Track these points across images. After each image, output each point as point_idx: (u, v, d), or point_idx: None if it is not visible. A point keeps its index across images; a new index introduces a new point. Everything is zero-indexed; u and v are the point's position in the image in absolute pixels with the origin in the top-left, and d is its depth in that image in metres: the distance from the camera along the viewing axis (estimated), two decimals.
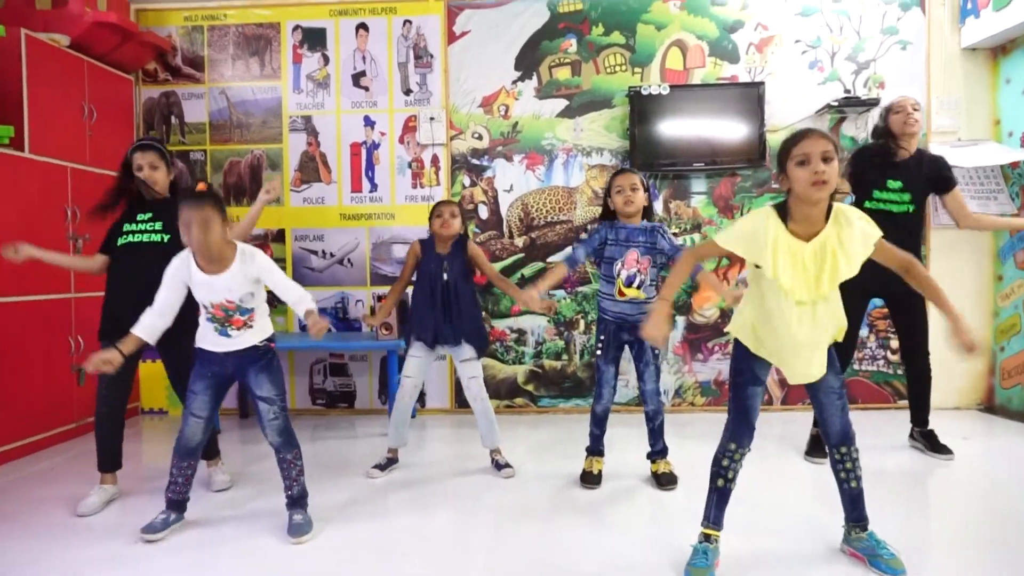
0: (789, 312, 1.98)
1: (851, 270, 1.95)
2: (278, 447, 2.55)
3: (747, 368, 2.14)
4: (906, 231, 3.18)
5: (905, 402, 4.32)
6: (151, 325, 2.44)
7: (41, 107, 3.73)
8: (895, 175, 3.21)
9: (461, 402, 4.35)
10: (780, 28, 4.38)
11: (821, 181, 1.85)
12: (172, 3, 4.60)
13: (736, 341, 2.17)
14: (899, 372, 4.31)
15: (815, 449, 3.31)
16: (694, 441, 3.72)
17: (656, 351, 3.00)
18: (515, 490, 2.98)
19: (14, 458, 3.52)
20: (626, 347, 3.02)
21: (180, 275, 2.43)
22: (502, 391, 4.48)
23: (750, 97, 4.25)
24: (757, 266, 2.00)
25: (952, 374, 4.33)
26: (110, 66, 4.31)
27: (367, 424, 4.26)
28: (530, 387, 4.50)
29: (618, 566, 2.22)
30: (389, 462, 3.28)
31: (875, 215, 2.92)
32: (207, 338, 2.49)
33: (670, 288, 2.13)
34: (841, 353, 3.23)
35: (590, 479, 3.00)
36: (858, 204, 3.23)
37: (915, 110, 3.21)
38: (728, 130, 4.25)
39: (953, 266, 4.30)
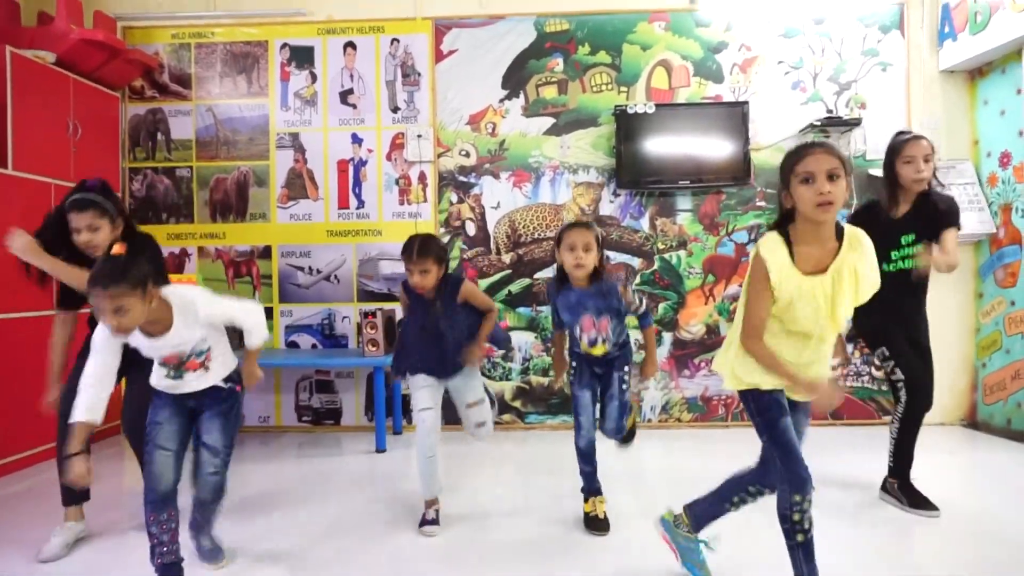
0: (790, 346, 1.90)
1: (860, 299, 1.85)
2: (204, 501, 2.24)
3: (771, 402, 1.94)
4: (919, 284, 2.99)
5: (888, 417, 4.37)
6: (92, 402, 2.01)
7: (25, 124, 3.71)
8: (905, 229, 2.88)
9: (447, 419, 4.32)
10: (763, 49, 4.45)
11: (827, 202, 1.74)
12: (159, 20, 4.61)
13: (752, 395, 1.98)
14: (883, 388, 4.34)
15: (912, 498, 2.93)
16: (681, 455, 3.73)
17: (624, 386, 2.76)
18: (507, 512, 2.96)
19: (1, 475, 3.47)
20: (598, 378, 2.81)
21: (114, 339, 2.01)
22: None
23: (734, 116, 4.30)
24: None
25: (935, 390, 4.35)
26: (96, 83, 4.30)
27: (354, 441, 4.23)
28: (517, 403, 4.49)
29: None
30: (437, 513, 2.80)
31: (893, 277, 2.85)
32: (161, 381, 2.14)
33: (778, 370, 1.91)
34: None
35: (597, 525, 2.68)
36: None
37: (927, 162, 2.81)
38: (713, 148, 4.30)
39: (934, 283, 4.33)
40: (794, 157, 1.83)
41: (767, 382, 1.93)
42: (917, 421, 2.95)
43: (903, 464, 2.96)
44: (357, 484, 3.37)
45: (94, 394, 2.01)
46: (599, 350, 2.70)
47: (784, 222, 1.87)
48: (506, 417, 4.49)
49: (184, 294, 2.05)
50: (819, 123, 4.25)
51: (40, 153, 3.82)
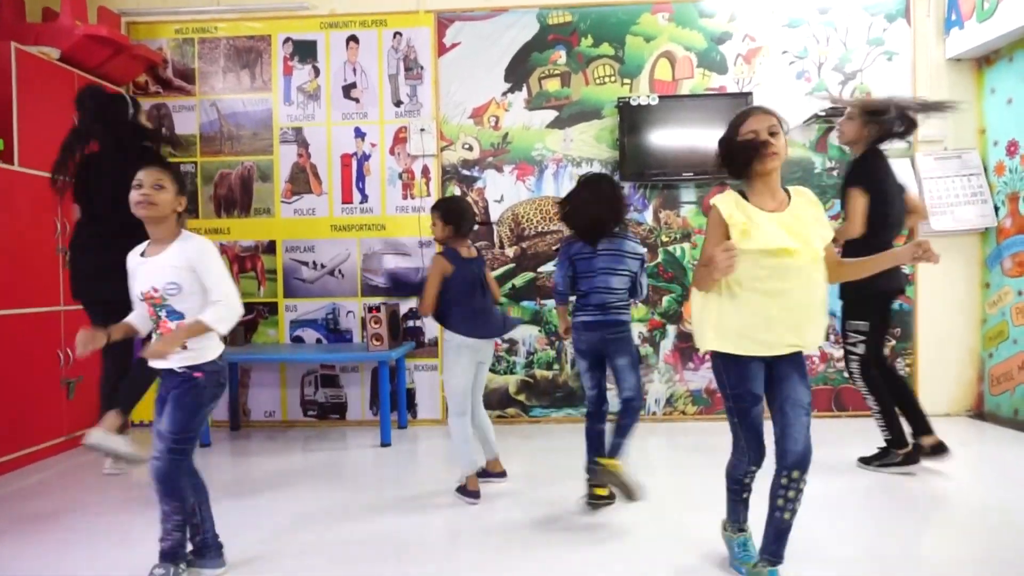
0: (780, 278, 1.93)
1: (821, 240, 1.98)
2: (156, 492, 2.14)
3: (745, 391, 2.02)
4: None
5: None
6: (141, 316, 2.21)
7: (31, 120, 3.73)
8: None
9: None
10: (767, 39, 4.42)
11: (772, 153, 1.94)
12: (163, 16, 4.62)
13: (723, 363, 2.04)
14: None
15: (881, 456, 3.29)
16: (686, 453, 3.73)
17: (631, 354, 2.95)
18: (510, 506, 2.97)
19: (3, 472, 3.49)
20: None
21: (129, 263, 2.20)
22: (493, 401, 4.47)
23: (738, 107, 4.25)
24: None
25: (942, 381, 4.36)
26: (101, 79, 4.31)
27: (359, 435, 4.25)
28: (521, 397, 4.50)
29: None
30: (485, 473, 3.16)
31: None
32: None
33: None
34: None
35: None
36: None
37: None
38: (717, 140, 4.26)
39: (941, 274, 4.31)
40: (737, 122, 2.02)
41: (734, 343, 2.01)
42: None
43: (907, 428, 3.21)
44: (363, 478, 3.39)
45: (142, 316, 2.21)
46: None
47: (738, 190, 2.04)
48: (511, 411, 4.49)
49: (195, 234, 2.22)
50: (824, 113, 4.23)
51: (46, 149, 3.80)
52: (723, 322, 1.99)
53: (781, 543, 2.02)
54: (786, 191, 2.04)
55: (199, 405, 2.16)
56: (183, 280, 2.10)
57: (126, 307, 2.27)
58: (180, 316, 2.11)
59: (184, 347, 2.11)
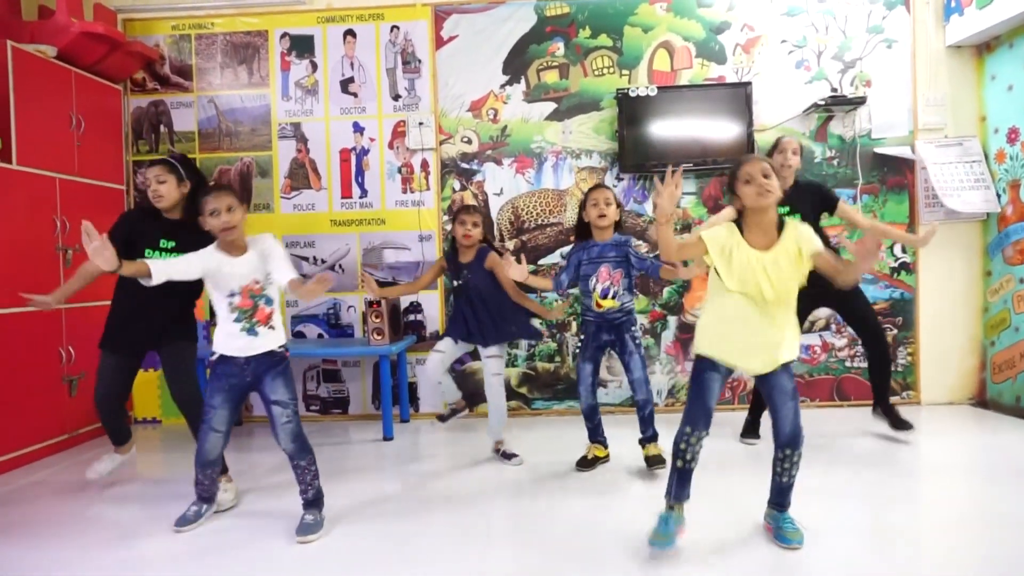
0: (748, 315, 2.21)
1: (800, 278, 2.21)
2: (292, 454, 2.58)
3: (706, 357, 2.31)
4: None
5: (896, 398, 4.36)
6: (163, 267, 2.47)
7: (28, 118, 3.72)
8: (780, 203, 3.38)
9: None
10: (766, 28, 4.40)
11: (766, 191, 2.17)
12: (159, 12, 4.60)
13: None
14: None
15: (749, 431, 3.64)
16: None
17: (637, 340, 3.17)
18: (510, 494, 2.98)
19: (5, 471, 3.50)
20: (608, 348, 3.25)
21: (209, 259, 2.50)
22: None
23: (738, 97, 4.27)
24: (718, 273, 2.24)
25: (944, 369, 4.35)
26: (98, 76, 4.31)
27: (362, 430, 4.25)
28: (523, 389, 4.50)
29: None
30: (453, 411, 3.64)
31: None
32: (232, 342, 2.52)
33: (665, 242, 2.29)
34: None
35: (583, 463, 3.27)
36: None
37: (794, 154, 3.42)
38: (716, 130, 4.27)
39: (942, 262, 4.32)
40: (735, 167, 2.26)
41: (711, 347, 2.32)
42: None
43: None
44: (365, 472, 3.39)
45: (165, 267, 2.47)
46: (608, 303, 3.12)
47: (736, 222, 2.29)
48: (512, 403, 4.49)
49: (256, 235, 2.62)
50: (823, 102, 4.21)
51: (44, 147, 3.83)
52: (708, 330, 2.32)
53: (784, 496, 2.34)
54: (781, 227, 2.23)
55: (292, 375, 2.64)
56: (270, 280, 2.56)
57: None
58: (272, 302, 2.57)
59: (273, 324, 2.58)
